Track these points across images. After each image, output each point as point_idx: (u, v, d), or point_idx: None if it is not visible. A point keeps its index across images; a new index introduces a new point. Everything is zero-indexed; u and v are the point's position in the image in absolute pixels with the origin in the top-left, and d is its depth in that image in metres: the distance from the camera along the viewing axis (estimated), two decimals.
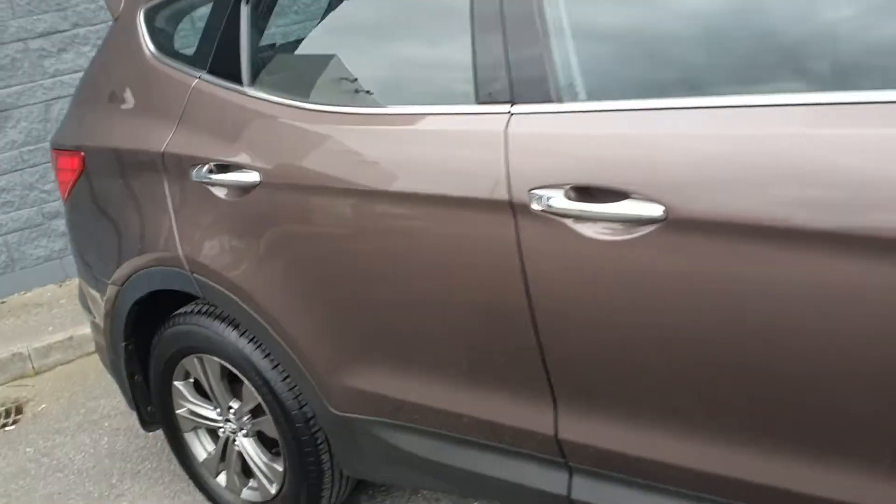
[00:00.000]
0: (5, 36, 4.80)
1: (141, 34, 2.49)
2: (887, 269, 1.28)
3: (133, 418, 2.99)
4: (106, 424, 3.54)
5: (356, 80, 2.02)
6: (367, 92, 1.99)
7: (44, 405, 3.88)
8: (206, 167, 2.20)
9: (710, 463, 1.58)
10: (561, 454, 1.82)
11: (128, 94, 2.50)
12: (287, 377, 2.27)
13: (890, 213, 1.25)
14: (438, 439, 2.03)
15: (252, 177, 2.10)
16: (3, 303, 4.97)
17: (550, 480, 1.86)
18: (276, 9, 2.27)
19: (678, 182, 1.45)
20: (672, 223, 1.47)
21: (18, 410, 3.89)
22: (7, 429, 3.71)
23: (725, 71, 1.49)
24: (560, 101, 1.63)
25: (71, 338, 4.32)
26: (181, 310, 2.49)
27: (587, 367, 1.69)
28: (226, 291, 2.24)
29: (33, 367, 4.28)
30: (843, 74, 1.38)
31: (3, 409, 3.91)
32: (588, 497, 1.82)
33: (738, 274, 1.42)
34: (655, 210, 1.48)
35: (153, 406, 2.74)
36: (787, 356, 1.41)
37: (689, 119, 1.47)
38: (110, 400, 3.69)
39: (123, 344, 2.66)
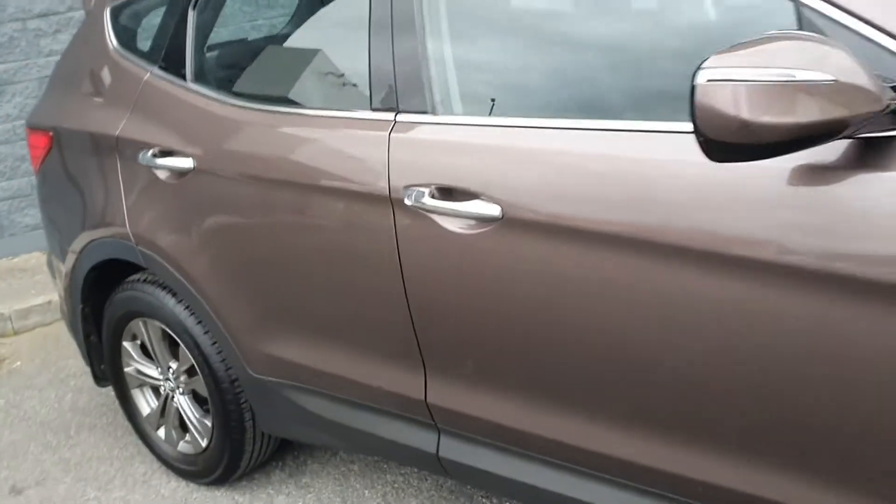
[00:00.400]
0: (4, 15, 5.10)
1: (107, 29, 2.79)
2: (658, 265, 1.56)
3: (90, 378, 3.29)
4: (72, 383, 3.84)
5: (276, 82, 2.31)
6: (284, 94, 2.27)
7: (18, 363, 4.19)
8: (151, 151, 2.50)
9: (553, 429, 1.86)
10: (430, 417, 2.11)
11: (92, 82, 2.80)
12: (215, 342, 2.56)
13: (652, 216, 1.53)
14: (337, 402, 2.33)
15: (187, 162, 2.39)
16: None
17: (422, 440, 2.15)
18: (221, 17, 2.55)
19: (514, 188, 1.74)
20: (507, 221, 1.75)
21: None
22: None
23: (563, 99, 1.78)
24: (434, 112, 1.92)
25: (50, 302, 4.62)
26: (130, 278, 2.78)
27: (450, 341, 1.97)
28: (164, 263, 2.54)
29: (13, 328, 4.58)
30: (644, 107, 1.66)
31: None
32: (453, 456, 2.11)
33: (557, 264, 1.70)
34: (495, 210, 1.76)
35: (105, 364, 3.04)
36: (594, 332, 1.70)
37: (529, 136, 1.75)
38: (78, 361, 3.97)
39: (80, 307, 2.96)
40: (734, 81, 1.25)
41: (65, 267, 2.97)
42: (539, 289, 1.75)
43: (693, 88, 1.27)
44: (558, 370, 1.80)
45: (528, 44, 1.88)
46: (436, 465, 2.18)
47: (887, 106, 1.27)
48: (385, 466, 2.84)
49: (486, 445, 2.03)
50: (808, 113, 1.24)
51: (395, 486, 2.73)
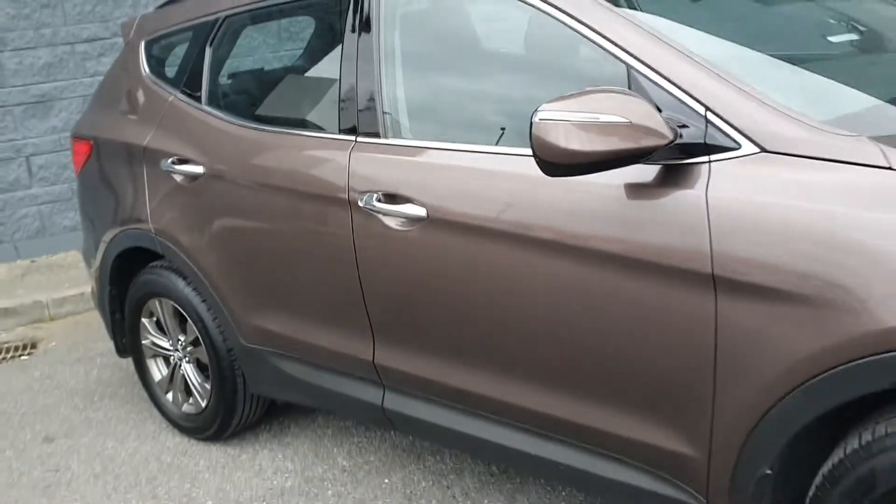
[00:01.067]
0: (56, 39, 5.82)
1: (141, 58, 3.43)
2: (526, 252, 2.13)
3: (117, 358, 3.89)
4: (98, 360, 4.46)
5: (267, 107, 2.93)
6: (274, 116, 2.89)
7: (53, 343, 4.83)
8: (171, 159, 3.12)
9: (467, 382, 2.41)
10: (377, 376, 2.68)
11: (127, 101, 3.44)
12: (216, 317, 3.16)
13: (524, 216, 2.11)
14: (308, 366, 2.91)
15: (199, 169, 3.01)
16: (33, 262, 5.96)
17: (371, 395, 2.73)
18: (233, 53, 3.19)
19: (436, 195, 2.32)
20: (431, 220, 2.34)
21: (34, 346, 4.84)
22: (23, 358, 4.66)
23: (472, 128, 2.37)
24: (385, 136, 2.52)
25: (83, 294, 5.26)
26: (151, 264, 3.40)
27: (391, 314, 2.55)
28: (176, 251, 3.15)
29: (49, 314, 5.24)
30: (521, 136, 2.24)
31: (22, 343, 4.87)
32: (395, 407, 2.68)
33: (466, 253, 2.27)
34: (422, 211, 2.35)
35: (126, 338, 3.65)
36: (494, 305, 2.26)
37: (448, 155, 2.33)
38: (105, 343, 4.59)
39: (108, 289, 3.59)
40: (559, 121, 1.82)
41: (97, 254, 3.60)
42: (454, 272, 2.33)
43: (531, 125, 1.85)
44: (469, 336, 2.37)
45: (450, 88, 2.48)
46: (382, 417, 2.75)
47: (672, 141, 1.83)
48: (353, 430, 3.41)
49: (419, 398, 2.60)
50: (609, 144, 1.81)
51: (359, 445, 3.30)
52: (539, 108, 1.84)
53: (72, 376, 4.30)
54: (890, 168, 1.67)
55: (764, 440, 1.84)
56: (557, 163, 1.84)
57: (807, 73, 2.20)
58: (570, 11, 2.13)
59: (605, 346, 2.06)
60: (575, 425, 2.21)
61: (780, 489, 1.89)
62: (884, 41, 2.67)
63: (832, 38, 2.59)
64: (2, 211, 5.94)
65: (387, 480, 3.05)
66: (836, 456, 1.78)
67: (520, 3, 2.22)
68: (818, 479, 1.82)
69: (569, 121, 1.81)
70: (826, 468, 1.81)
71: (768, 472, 1.86)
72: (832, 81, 2.18)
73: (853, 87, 2.15)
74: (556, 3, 2.15)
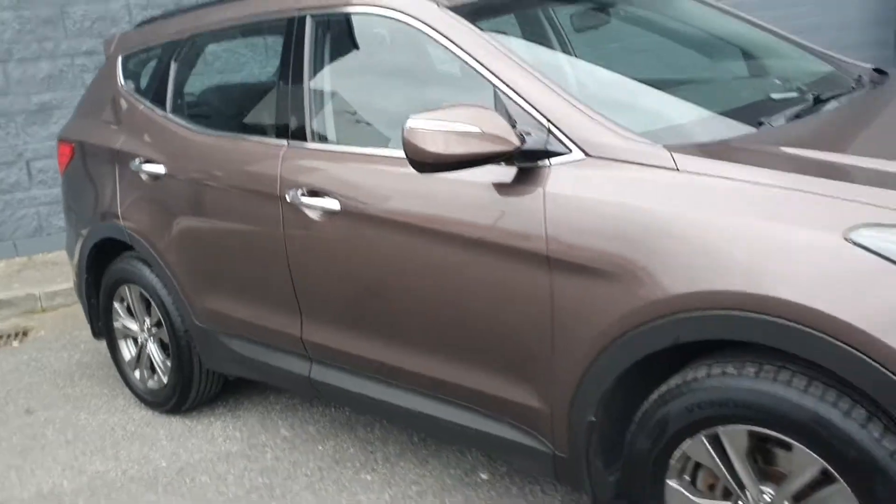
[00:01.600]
0: (58, 52, 6.33)
1: (118, 71, 3.91)
2: (421, 242, 2.57)
3: (98, 344, 4.35)
4: (81, 346, 4.92)
5: (219, 115, 3.39)
6: (222, 124, 3.35)
7: (42, 332, 5.30)
8: (138, 160, 3.59)
9: (380, 354, 2.83)
10: (305, 350, 3.13)
11: (105, 109, 3.92)
12: (174, 301, 3.61)
13: (411, 205, 2.54)
14: (249, 342, 3.35)
15: (161, 169, 3.47)
16: (30, 259, 6.45)
17: (300, 367, 3.16)
18: (198, 67, 3.66)
19: (347, 190, 2.77)
20: (344, 212, 2.78)
21: (25, 333, 5.31)
22: (14, 344, 5.13)
23: (376, 135, 2.82)
24: (310, 140, 2.97)
25: (72, 288, 5.73)
26: (122, 254, 3.86)
27: (315, 295, 2.99)
28: (142, 241, 3.61)
29: (41, 307, 5.71)
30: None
31: (14, 331, 5.34)
32: (319, 377, 3.11)
33: (373, 240, 2.70)
34: (337, 205, 2.79)
35: (101, 321, 4.11)
36: (397, 286, 2.69)
37: (357, 157, 2.78)
38: (87, 332, 5.06)
39: (85, 276, 4.05)
40: (425, 129, 2.27)
41: (77, 246, 4.07)
42: (362, 257, 2.76)
43: (403, 132, 2.29)
44: (374, 311, 2.81)
45: (358, 102, 2.93)
46: (309, 387, 3.19)
47: (518, 147, 2.27)
48: (298, 406, 3.85)
49: (338, 369, 3.04)
50: (464, 148, 2.25)
51: (301, 418, 3.74)
52: (409, 118, 2.28)
53: (56, 360, 4.76)
54: (675, 169, 2.11)
55: (587, 392, 2.26)
56: (424, 162, 2.28)
57: (649, 92, 2.64)
58: (455, 40, 2.57)
59: (475, 317, 2.49)
60: (455, 386, 2.64)
61: (605, 433, 2.31)
62: (730, 59, 3.11)
63: (690, 60, 3.04)
64: (2, 211, 6.43)
65: (320, 447, 3.48)
66: (645, 405, 2.21)
67: (418, 32, 2.67)
68: (633, 426, 2.25)
69: (432, 129, 2.25)
70: (637, 415, 2.23)
71: (593, 419, 2.29)
72: (671, 98, 2.62)
73: (691, 103, 2.59)
74: (445, 34, 2.59)
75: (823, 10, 8.41)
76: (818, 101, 2.58)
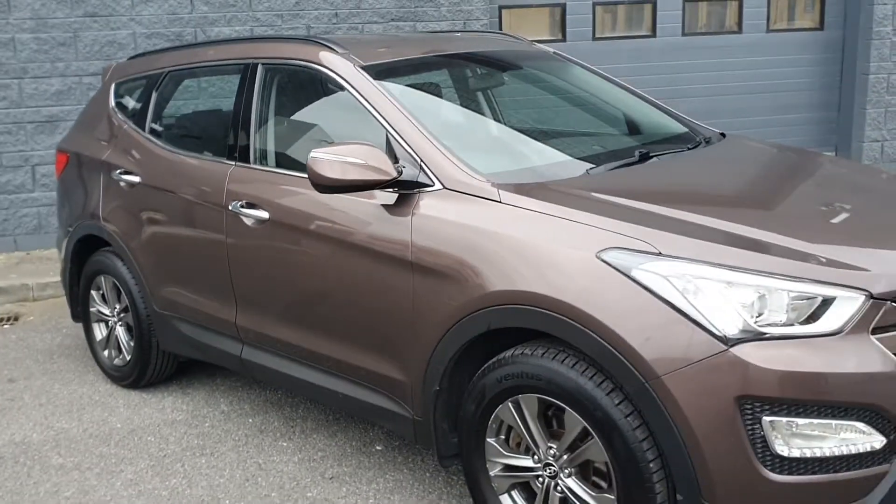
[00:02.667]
0: (68, 71, 7.13)
1: (111, 95, 4.68)
2: (325, 247, 3.30)
3: (77, 329, 5.07)
4: (64, 330, 5.64)
5: (185, 136, 4.15)
6: (188, 143, 4.10)
7: (32, 317, 6.03)
8: (120, 170, 4.34)
9: (292, 337, 3.54)
10: (238, 333, 3.85)
11: (97, 126, 4.68)
12: (140, 290, 4.34)
13: (319, 218, 3.27)
14: (195, 326, 4.08)
15: (136, 179, 4.22)
16: (28, 254, 7.20)
17: (234, 348, 3.88)
18: (174, 97, 4.42)
19: (273, 203, 3.50)
20: (271, 221, 3.52)
21: (16, 318, 6.03)
22: (5, 326, 5.86)
23: (293, 161, 3.55)
24: (250, 163, 3.71)
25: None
26: (100, 249, 4.60)
27: (247, 288, 3.72)
28: (117, 238, 4.35)
29: (34, 296, 6.44)
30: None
31: (7, 316, 6.06)
32: (249, 357, 3.83)
33: (290, 243, 3.43)
34: (266, 215, 3.53)
35: (79, 306, 4.84)
36: (307, 284, 3.41)
37: (280, 177, 3.51)
38: (71, 318, 5.80)
39: (69, 267, 4.79)
40: (323, 159, 3.00)
41: (64, 240, 4.82)
42: (282, 258, 3.49)
43: (308, 160, 3.02)
44: (289, 302, 3.53)
45: (285, 135, 3.68)
46: (240, 365, 3.90)
47: (395, 177, 3.00)
48: (240, 387, 4.55)
49: (263, 350, 3.75)
50: (353, 175, 2.97)
51: (240, 397, 4.44)
52: (313, 150, 3.02)
53: (40, 340, 5.49)
54: (499, 201, 2.84)
55: (435, 367, 2.97)
56: (323, 185, 3.01)
57: (512, 140, 3.38)
58: (361, 92, 3.32)
59: (360, 308, 3.21)
60: (346, 364, 3.35)
61: (449, 401, 3.01)
62: (601, 117, 3.87)
63: (566, 115, 3.79)
64: (6, 209, 7.20)
65: (251, 420, 4.18)
66: (474, 378, 2.91)
67: (337, 84, 3.42)
68: (465, 395, 2.95)
69: (330, 159, 2.98)
70: (469, 386, 2.94)
71: (437, 388, 2.99)
72: (529, 146, 3.37)
73: (544, 151, 3.33)
74: (356, 87, 3.34)
75: (775, 73, 9.19)
76: (644, 157, 3.30)
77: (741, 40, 9.08)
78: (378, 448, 3.83)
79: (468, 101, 3.90)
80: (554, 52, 4.34)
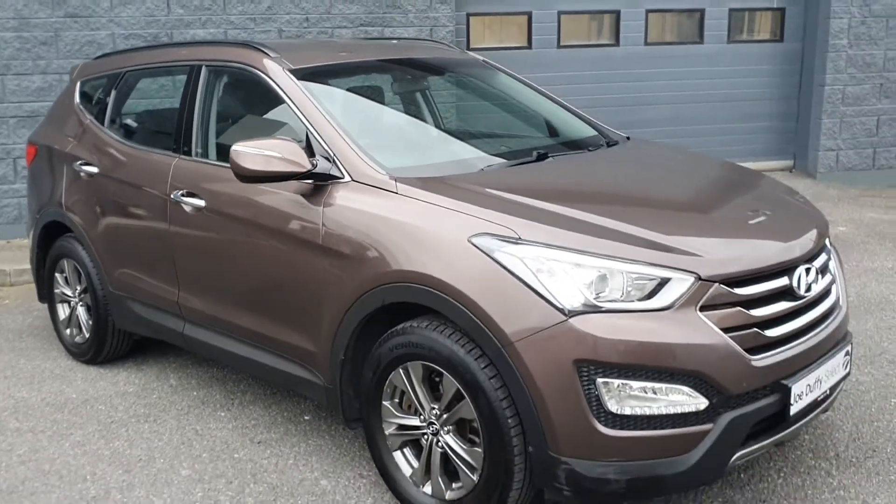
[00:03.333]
0: (49, 69, 7.53)
1: (76, 92, 5.08)
2: (249, 231, 3.70)
3: (47, 312, 5.46)
4: (34, 313, 6.04)
5: (138, 130, 4.55)
6: (141, 137, 4.50)
7: (7, 301, 6.43)
8: (80, 162, 4.74)
9: (222, 313, 3.94)
10: (180, 311, 4.24)
11: (63, 121, 5.08)
12: (97, 272, 4.74)
13: (243, 205, 3.67)
14: (144, 305, 4.47)
15: (95, 170, 4.63)
16: (8, 242, 7.61)
17: (177, 325, 4.28)
18: (131, 95, 4.82)
19: (208, 193, 3.90)
20: (207, 208, 3.91)
21: None
22: None
23: (221, 154, 3.95)
24: (190, 155, 4.11)
25: None
26: (64, 234, 5.00)
27: (187, 268, 4.11)
28: (77, 224, 4.75)
29: (10, 281, 6.84)
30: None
31: None
32: (190, 333, 4.22)
33: (221, 229, 3.83)
34: (202, 203, 3.93)
35: (45, 288, 5.24)
36: (233, 264, 3.81)
37: (214, 169, 3.91)
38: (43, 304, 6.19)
39: (36, 251, 5.19)
40: (245, 152, 3.39)
41: (33, 227, 5.22)
42: (215, 241, 3.88)
43: (231, 153, 3.41)
44: (219, 281, 3.93)
45: (225, 130, 4.08)
46: (183, 341, 4.29)
47: (309, 169, 3.39)
48: (190, 366, 4.94)
49: (201, 326, 4.14)
50: (270, 167, 3.37)
51: (188, 374, 4.83)
52: (235, 144, 3.41)
53: (13, 321, 5.89)
54: (396, 192, 3.23)
55: (340, 339, 3.35)
56: (244, 175, 3.41)
57: (422, 139, 3.77)
58: (287, 93, 3.72)
59: (279, 286, 3.60)
60: (269, 337, 3.74)
61: (353, 369, 3.40)
62: (517, 119, 4.26)
63: (485, 117, 4.19)
64: None
65: (195, 393, 4.57)
66: (373, 349, 3.30)
67: (268, 85, 3.81)
68: (366, 363, 3.34)
69: (251, 152, 3.37)
70: (368, 356, 3.32)
71: (342, 358, 3.38)
72: (437, 144, 3.78)
73: (451, 149, 3.73)
74: (283, 88, 3.74)
75: (735, 83, 9.57)
76: (541, 157, 3.70)
77: (703, 50, 9.47)
78: (306, 418, 4.22)
79: (390, 103, 4.29)
80: (483, 60, 4.73)
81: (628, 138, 4.30)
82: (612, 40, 9.22)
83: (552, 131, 4.44)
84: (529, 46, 8.98)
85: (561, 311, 2.73)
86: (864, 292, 5.88)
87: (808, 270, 3.08)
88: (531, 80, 8.55)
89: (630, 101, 9.33)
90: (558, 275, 2.79)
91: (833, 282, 3.37)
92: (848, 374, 3.36)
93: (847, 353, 3.28)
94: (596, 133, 4.30)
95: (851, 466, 3.56)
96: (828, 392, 3.18)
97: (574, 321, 2.72)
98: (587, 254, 2.82)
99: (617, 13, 9.14)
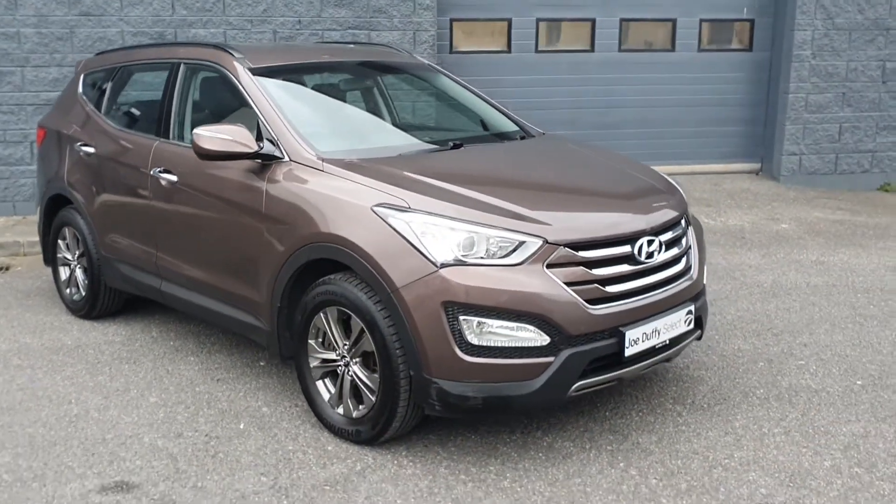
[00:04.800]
0: (64, 62, 8.41)
1: (80, 83, 5.94)
2: (208, 202, 4.52)
3: (51, 275, 6.33)
4: (43, 278, 6.89)
5: (129, 117, 5.39)
6: (130, 123, 5.34)
7: (20, 268, 7.31)
8: (80, 143, 5.59)
9: (188, 270, 4.75)
10: (157, 270, 5.07)
11: (68, 108, 5.94)
12: (92, 238, 5.58)
13: (204, 179, 4.49)
14: (130, 266, 5.31)
15: (91, 150, 5.48)
16: (24, 217, 8.50)
17: (156, 282, 5.11)
18: (125, 87, 5.67)
19: (179, 169, 4.73)
20: (179, 182, 4.73)
21: (7, 269, 7.32)
22: None
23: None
24: (168, 138, 4.94)
25: None
26: (66, 206, 5.85)
27: (163, 233, 4.94)
28: (77, 196, 5.60)
29: (24, 251, 7.73)
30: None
31: (1, 265, 7.36)
32: (166, 289, 5.05)
33: (190, 201, 4.65)
34: (175, 178, 4.75)
35: (50, 253, 6.10)
36: (196, 231, 4.62)
37: (184, 149, 4.72)
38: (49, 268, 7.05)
39: (42, 220, 6.05)
40: (204, 135, 4.19)
41: (40, 200, 6.08)
42: (183, 211, 4.71)
43: (192, 135, 4.23)
44: (185, 243, 4.75)
45: (194, 117, 4.90)
46: (161, 296, 5.12)
47: (256, 150, 4.20)
48: (171, 321, 5.77)
49: (176, 283, 4.96)
50: (224, 147, 4.17)
51: (169, 328, 5.65)
52: (196, 128, 4.22)
53: (23, 285, 6.76)
54: (322, 171, 4.03)
55: (277, 290, 4.15)
56: (201, 154, 4.22)
57: (358, 128, 4.58)
58: (244, 87, 4.53)
59: (231, 246, 4.41)
60: (223, 290, 4.55)
61: (289, 315, 4.19)
62: (448, 114, 5.04)
63: (419, 111, 4.97)
64: (7, 179, 8.50)
65: (172, 343, 5.39)
66: (303, 298, 4.10)
67: (231, 80, 4.63)
68: (297, 309, 4.14)
69: (208, 135, 4.18)
70: (299, 303, 4.12)
71: (279, 305, 4.18)
72: (370, 133, 4.58)
73: (380, 138, 4.53)
74: (241, 82, 4.55)
75: (705, 90, 10.28)
76: (457, 146, 4.49)
77: (674, 58, 10.19)
78: (261, 364, 5.04)
79: (334, 97, 5.10)
80: (428, 64, 5.53)
81: (543, 133, 5.07)
82: (587, 46, 9.96)
83: (484, 126, 5.23)
84: (509, 51, 9.75)
85: (434, 263, 3.52)
86: (780, 280, 6.61)
87: (650, 242, 3.84)
88: (511, 82, 9.39)
89: (604, 103, 10.07)
90: (436, 236, 3.57)
91: (685, 253, 4.12)
92: (692, 331, 4.10)
93: (690, 312, 4.03)
94: (517, 128, 5.08)
95: (700, 410, 4.32)
96: (667, 342, 3.92)
97: (443, 272, 3.51)
98: (460, 220, 3.60)
99: (592, 21, 9.88)
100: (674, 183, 4.50)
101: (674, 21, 10.10)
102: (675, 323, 3.95)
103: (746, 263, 7.06)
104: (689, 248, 4.18)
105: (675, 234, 4.08)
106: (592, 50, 9.97)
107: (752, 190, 9.87)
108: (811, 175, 10.23)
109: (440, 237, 3.57)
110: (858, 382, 4.66)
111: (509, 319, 3.51)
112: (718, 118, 10.39)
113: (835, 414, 4.28)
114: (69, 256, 5.92)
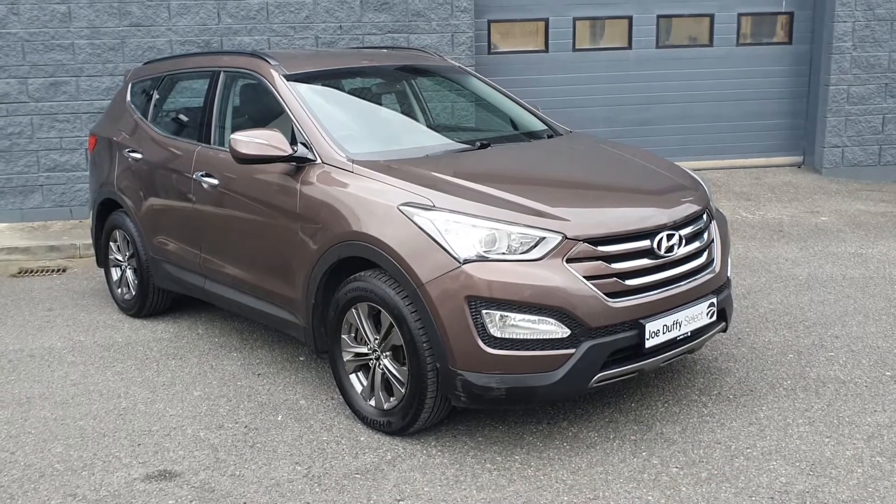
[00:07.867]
0: (116, 71, 8.69)
1: (128, 91, 6.17)
2: (249, 205, 4.69)
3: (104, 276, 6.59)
4: (97, 279, 7.17)
5: (174, 124, 5.60)
6: (175, 129, 5.55)
7: (76, 270, 7.60)
8: (128, 149, 5.82)
9: (232, 270, 4.93)
10: (201, 269, 5.26)
11: (117, 116, 6.18)
12: (141, 240, 5.80)
13: (244, 183, 4.67)
14: (177, 267, 5.51)
15: (139, 156, 5.70)
16: (80, 221, 8.81)
17: (199, 281, 5.30)
18: (170, 95, 5.88)
19: (220, 173, 4.91)
20: (221, 186, 4.92)
21: (64, 270, 7.61)
22: (54, 275, 7.44)
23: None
24: (212, 143, 5.13)
25: None
26: (116, 209, 6.09)
27: (207, 234, 5.13)
28: (126, 201, 5.83)
29: (80, 253, 8.02)
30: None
31: (58, 268, 7.65)
32: (209, 287, 5.24)
33: (232, 204, 4.83)
34: (216, 181, 4.94)
35: (102, 255, 6.35)
36: (239, 232, 4.80)
37: (225, 154, 4.90)
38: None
39: (94, 224, 6.30)
40: (241, 139, 4.36)
41: (93, 204, 6.34)
42: (225, 213, 4.89)
43: (230, 140, 4.40)
44: (230, 244, 4.93)
45: (235, 122, 5.07)
46: (204, 294, 5.32)
47: (290, 154, 4.36)
48: (216, 319, 5.97)
49: (219, 282, 5.15)
50: (260, 152, 4.34)
51: (214, 325, 5.85)
52: (233, 133, 4.40)
53: (78, 285, 7.04)
54: (353, 172, 4.17)
55: (312, 287, 4.30)
56: (238, 158, 4.39)
57: (389, 131, 4.71)
58: (280, 94, 4.69)
59: (270, 246, 4.57)
60: (263, 288, 4.72)
61: (324, 311, 4.34)
62: (480, 116, 5.14)
63: (452, 113, 5.09)
64: (64, 185, 8.82)
65: (217, 340, 5.59)
66: (335, 294, 4.25)
67: (268, 87, 4.80)
68: (330, 306, 4.28)
69: (245, 140, 4.35)
70: (332, 300, 4.27)
71: (314, 301, 4.33)
72: (401, 136, 4.70)
73: (411, 140, 4.66)
74: (277, 89, 4.71)
75: (744, 84, 10.23)
76: (484, 146, 4.60)
77: (712, 53, 10.16)
78: (301, 359, 5.20)
79: (366, 101, 5.24)
80: (459, 66, 5.64)
81: (571, 132, 5.15)
82: (624, 44, 9.98)
83: (513, 125, 5.32)
84: (546, 50, 9.81)
85: (457, 259, 3.63)
86: (816, 272, 6.59)
87: (670, 236, 3.90)
88: (548, 81, 9.46)
89: (643, 100, 10.08)
90: (459, 233, 3.68)
91: (707, 246, 4.17)
92: (715, 323, 4.16)
93: (712, 305, 4.08)
94: (545, 127, 5.17)
95: (725, 401, 4.37)
96: (688, 334, 3.98)
97: (466, 267, 3.62)
98: (482, 217, 3.71)
99: (629, 18, 9.90)
100: (697, 178, 4.55)
101: (711, 16, 10.07)
102: (697, 315, 4.00)
103: (783, 256, 7.05)
104: (712, 241, 4.23)
105: (697, 228, 4.13)
106: (630, 47, 9.99)
107: (794, 183, 9.80)
108: (854, 167, 10.12)
109: (463, 234, 3.68)
110: (888, 373, 4.66)
111: (530, 313, 3.61)
112: (759, 112, 10.33)
113: (861, 404, 4.29)
114: (120, 258, 6.15)
